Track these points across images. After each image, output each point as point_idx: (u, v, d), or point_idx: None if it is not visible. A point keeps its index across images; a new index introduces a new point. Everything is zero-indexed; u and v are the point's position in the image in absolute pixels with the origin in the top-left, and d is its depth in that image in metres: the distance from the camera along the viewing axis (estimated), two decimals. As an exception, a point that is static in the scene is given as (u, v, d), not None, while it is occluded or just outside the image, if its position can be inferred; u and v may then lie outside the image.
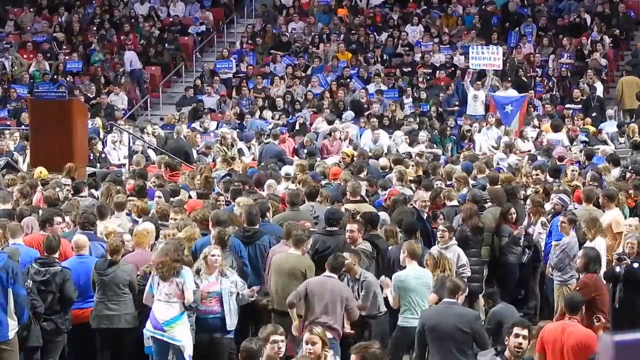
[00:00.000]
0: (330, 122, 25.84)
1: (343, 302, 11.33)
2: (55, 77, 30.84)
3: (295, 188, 16.01)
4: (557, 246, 13.87)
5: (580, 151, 20.81)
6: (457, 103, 28.24)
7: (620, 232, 14.04)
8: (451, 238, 13.22)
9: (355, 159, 19.97)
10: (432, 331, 10.25)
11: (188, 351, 11.15)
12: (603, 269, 12.93)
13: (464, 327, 10.19)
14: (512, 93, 26.43)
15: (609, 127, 25.15)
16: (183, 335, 11.20)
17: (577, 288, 11.67)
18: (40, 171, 18.34)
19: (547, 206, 15.21)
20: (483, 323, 11.53)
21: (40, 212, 13.76)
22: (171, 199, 15.45)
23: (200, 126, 26.15)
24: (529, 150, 22.82)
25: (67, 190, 16.42)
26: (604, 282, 12.25)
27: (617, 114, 27.60)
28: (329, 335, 11.13)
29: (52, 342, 11.90)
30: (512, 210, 14.83)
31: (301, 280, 11.81)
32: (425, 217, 14.45)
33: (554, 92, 28.73)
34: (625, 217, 14.77)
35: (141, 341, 12.01)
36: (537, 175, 17.46)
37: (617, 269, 12.45)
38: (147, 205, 14.71)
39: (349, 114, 27.19)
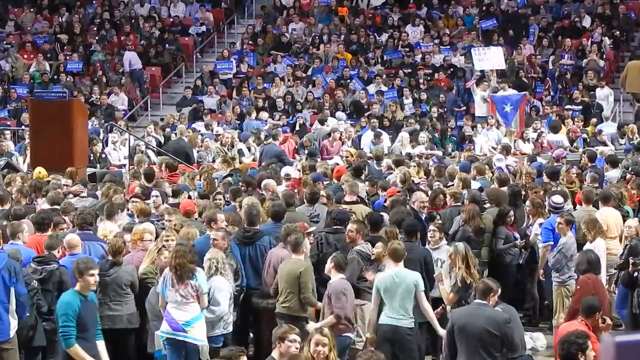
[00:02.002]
0: (321, 122, 25.85)
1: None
2: (56, 77, 30.83)
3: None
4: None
5: (583, 152, 20.78)
6: (461, 106, 28.27)
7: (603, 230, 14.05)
8: (442, 238, 13.19)
9: (354, 159, 20.01)
10: (461, 331, 10.25)
11: (206, 351, 11.07)
12: (603, 269, 12.96)
13: (492, 329, 10.16)
14: (511, 92, 26.45)
15: (608, 127, 25.18)
16: (203, 335, 11.12)
17: (578, 287, 11.67)
18: (40, 171, 18.34)
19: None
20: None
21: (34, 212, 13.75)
22: (172, 199, 15.44)
23: (208, 128, 26.14)
24: (537, 153, 22.84)
25: (79, 190, 16.42)
26: (604, 283, 12.27)
27: (622, 95, 28.14)
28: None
29: (53, 342, 11.89)
30: (511, 212, 14.81)
31: (297, 283, 11.81)
32: (423, 218, 14.42)
33: (556, 94, 28.75)
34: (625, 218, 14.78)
35: (141, 340, 12.00)
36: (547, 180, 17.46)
37: (635, 274, 12.46)
38: (148, 206, 14.72)
39: (340, 114, 27.20)
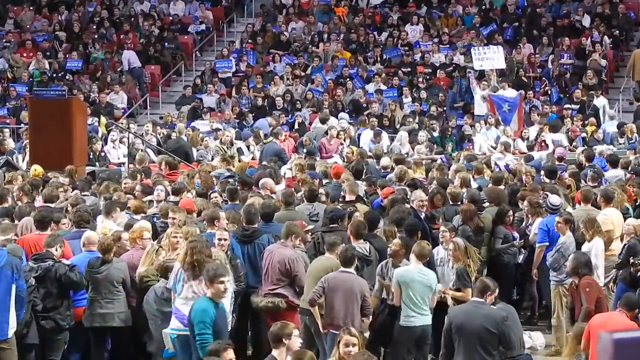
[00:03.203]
0: (323, 122, 25.85)
1: (359, 298, 11.33)
2: (55, 75, 30.84)
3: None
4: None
5: (581, 152, 20.78)
6: (460, 104, 28.27)
7: (609, 231, 14.06)
8: (453, 238, 13.15)
9: (355, 158, 20.03)
10: (459, 330, 10.31)
11: None
12: (601, 269, 12.96)
13: (490, 327, 10.25)
14: (510, 93, 26.47)
15: (610, 127, 25.18)
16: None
17: (587, 289, 11.62)
18: (35, 169, 18.35)
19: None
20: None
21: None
22: (173, 197, 15.42)
23: (210, 123, 26.18)
24: (531, 145, 22.88)
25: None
26: (602, 282, 12.29)
27: (629, 83, 28.50)
28: None
29: (53, 341, 11.89)
30: (510, 212, 14.79)
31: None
32: (423, 217, 14.39)
33: (551, 93, 28.76)
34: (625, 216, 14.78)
35: (136, 339, 11.98)
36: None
37: (638, 273, 12.50)
38: (143, 204, 14.74)
39: (343, 114, 27.20)
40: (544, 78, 29.32)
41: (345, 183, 15.82)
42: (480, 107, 26.42)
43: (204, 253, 10.94)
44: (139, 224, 12.88)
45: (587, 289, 11.58)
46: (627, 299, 10.71)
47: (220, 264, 10.67)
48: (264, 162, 20.26)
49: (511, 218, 14.84)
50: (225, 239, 12.18)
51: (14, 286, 11.09)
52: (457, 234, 13.27)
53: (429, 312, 11.75)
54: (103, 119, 26.01)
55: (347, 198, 15.13)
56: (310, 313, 11.78)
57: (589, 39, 30.42)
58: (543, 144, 23.75)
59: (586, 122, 26.00)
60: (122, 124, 25.58)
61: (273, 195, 15.64)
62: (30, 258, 11.91)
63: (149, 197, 15.52)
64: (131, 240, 12.52)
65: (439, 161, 20.91)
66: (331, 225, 13.25)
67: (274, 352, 9.16)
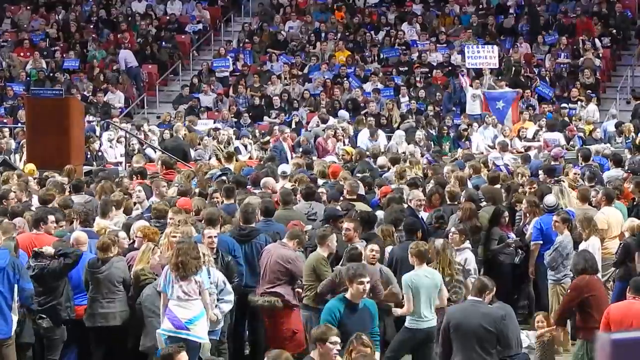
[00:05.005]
0: (324, 121, 25.85)
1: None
2: (52, 75, 30.84)
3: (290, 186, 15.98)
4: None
5: (578, 151, 20.79)
6: (453, 106, 28.26)
7: (603, 229, 14.06)
8: (462, 241, 12.89)
9: (353, 157, 20.03)
10: (457, 329, 10.27)
11: (207, 348, 11.06)
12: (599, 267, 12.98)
13: (488, 326, 10.22)
14: (506, 90, 26.47)
15: (611, 126, 25.20)
16: (205, 333, 11.05)
17: (569, 290, 11.68)
18: (28, 168, 18.33)
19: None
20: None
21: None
22: (178, 196, 15.39)
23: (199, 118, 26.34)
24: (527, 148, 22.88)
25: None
26: (601, 282, 12.28)
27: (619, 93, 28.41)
28: None
29: (51, 340, 11.88)
30: (505, 213, 14.77)
31: (314, 274, 11.89)
32: (420, 216, 14.36)
33: (547, 92, 28.81)
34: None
35: (133, 337, 11.98)
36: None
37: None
38: (132, 204, 14.72)
39: (343, 112, 27.20)
40: (535, 77, 29.32)
41: (346, 182, 15.77)
42: (471, 106, 26.44)
43: (190, 255, 10.92)
44: (138, 222, 12.85)
45: (570, 289, 11.65)
46: (636, 282, 10.68)
47: (358, 266, 10.65)
48: (261, 162, 20.29)
49: (506, 219, 14.80)
50: (214, 236, 12.14)
51: (15, 286, 11.08)
52: (467, 236, 13.16)
53: (435, 315, 11.66)
54: None
55: (348, 197, 15.09)
56: (312, 308, 11.79)
57: (585, 37, 30.43)
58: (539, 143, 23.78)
59: (587, 119, 26.03)
60: (114, 122, 25.56)
61: (274, 195, 15.59)
62: (31, 257, 11.89)
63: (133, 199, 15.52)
64: (147, 238, 12.42)
65: (424, 160, 20.86)
66: (325, 226, 13.24)
67: (312, 354, 9.17)
